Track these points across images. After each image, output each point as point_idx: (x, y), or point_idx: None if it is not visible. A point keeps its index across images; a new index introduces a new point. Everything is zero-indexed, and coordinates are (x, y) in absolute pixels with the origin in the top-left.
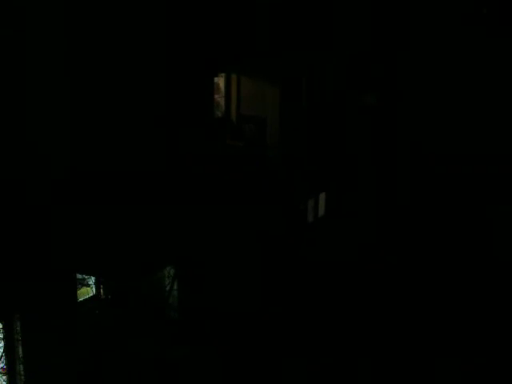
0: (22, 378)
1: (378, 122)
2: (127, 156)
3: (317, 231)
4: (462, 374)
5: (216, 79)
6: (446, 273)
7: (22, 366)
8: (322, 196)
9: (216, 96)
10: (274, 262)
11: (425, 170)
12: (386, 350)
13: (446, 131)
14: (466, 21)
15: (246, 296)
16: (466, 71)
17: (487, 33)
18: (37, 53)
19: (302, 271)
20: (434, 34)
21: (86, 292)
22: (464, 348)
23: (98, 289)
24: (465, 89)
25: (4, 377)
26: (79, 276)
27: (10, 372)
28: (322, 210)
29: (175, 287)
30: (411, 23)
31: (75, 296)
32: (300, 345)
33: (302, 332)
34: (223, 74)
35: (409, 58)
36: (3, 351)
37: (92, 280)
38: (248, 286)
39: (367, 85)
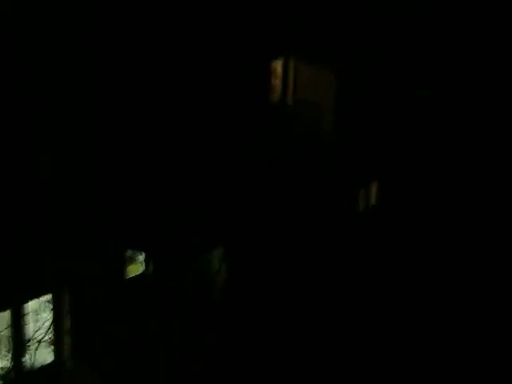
0: (69, 349)
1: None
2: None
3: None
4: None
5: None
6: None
7: (69, 338)
8: (375, 185)
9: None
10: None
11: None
12: None
13: None
14: None
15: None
16: None
17: None
18: None
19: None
20: None
21: (136, 269)
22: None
23: (147, 267)
24: None
25: (51, 347)
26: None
27: (57, 343)
28: (373, 199)
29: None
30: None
31: (124, 272)
32: None
33: None
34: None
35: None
36: (52, 322)
37: (142, 257)
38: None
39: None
